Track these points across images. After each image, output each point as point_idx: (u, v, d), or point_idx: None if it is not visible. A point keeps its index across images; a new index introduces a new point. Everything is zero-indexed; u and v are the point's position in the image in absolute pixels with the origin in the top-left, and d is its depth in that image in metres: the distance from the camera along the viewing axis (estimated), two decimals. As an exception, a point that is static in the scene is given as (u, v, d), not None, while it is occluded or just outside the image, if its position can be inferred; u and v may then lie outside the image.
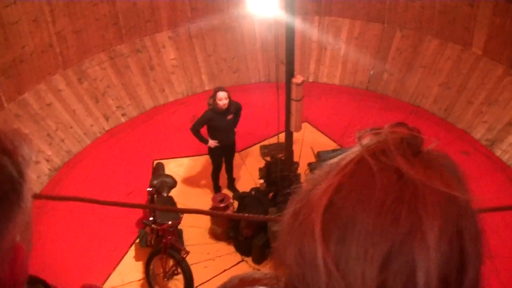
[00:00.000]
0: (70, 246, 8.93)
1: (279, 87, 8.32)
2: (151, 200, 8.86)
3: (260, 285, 1.26)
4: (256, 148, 10.80)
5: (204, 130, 9.06)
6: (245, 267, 8.66)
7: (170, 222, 7.89)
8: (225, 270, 8.57)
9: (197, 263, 8.52)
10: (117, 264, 8.74)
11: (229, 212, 8.91)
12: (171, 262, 8.05)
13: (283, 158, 9.14)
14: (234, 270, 8.58)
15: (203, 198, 9.55)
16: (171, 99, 12.49)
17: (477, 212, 0.92)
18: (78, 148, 10.97)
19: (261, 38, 12.74)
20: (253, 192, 9.22)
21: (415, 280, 0.83)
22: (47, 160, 10.32)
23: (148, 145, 11.04)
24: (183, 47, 12.70)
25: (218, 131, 9.01)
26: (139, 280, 8.52)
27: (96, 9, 11.24)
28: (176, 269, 8.04)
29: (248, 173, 10.28)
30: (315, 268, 0.89)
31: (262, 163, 9.75)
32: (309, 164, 9.58)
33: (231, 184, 9.96)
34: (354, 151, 0.96)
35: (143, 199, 9.28)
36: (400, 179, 0.87)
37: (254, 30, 12.80)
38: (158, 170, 9.65)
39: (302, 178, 9.15)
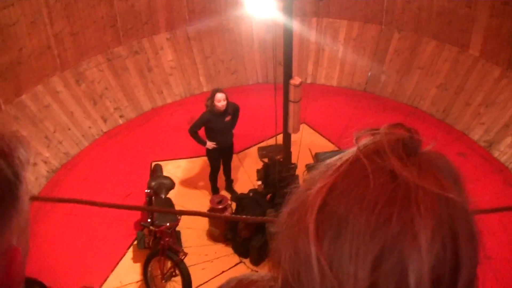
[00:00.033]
0: (68, 248, 8.92)
1: (277, 88, 8.32)
2: (149, 202, 8.86)
3: (258, 287, 1.26)
4: (254, 149, 10.80)
5: (202, 132, 9.06)
6: (243, 269, 8.67)
7: (168, 224, 7.90)
8: (223, 272, 8.57)
9: (195, 264, 8.52)
10: (115, 266, 8.74)
11: (227, 213, 8.91)
12: (169, 264, 8.05)
13: (281, 159, 9.14)
14: (232, 272, 8.58)
15: (201, 200, 9.55)
16: (169, 100, 12.48)
17: (473, 213, 0.92)
18: (76, 150, 10.96)
19: (259, 40, 12.74)
20: (251, 194, 9.22)
21: (407, 280, 0.83)
22: (45, 162, 10.31)
23: (146, 146, 11.03)
24: (181, 48, 12.70)
25: (216, 132, 9.02)
26: (137, 282, 8.52)
27: (93, 11, 11.24)
28: (174, 271, 8.03)
29: (246, 175, 10.28)
30: (309, 267, 0.89)
31: (260, 165, 9.75)
32: (307, 166, 9.57)
33: (229, 186, 9.96)
34: (350, 151, 0.97)
35: (141, 201, 9.28)
36: (394, 180, 0.88)
37: (251, 32, 12.80)
38: (156, 171, 9.65)
39: (300, 180, 9.15)
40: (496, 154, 10.64)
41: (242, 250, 8.85)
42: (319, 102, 12.10)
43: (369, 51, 12.77)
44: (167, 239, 7.84)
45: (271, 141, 9.95)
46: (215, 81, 12.66)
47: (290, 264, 0.94)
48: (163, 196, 8.62)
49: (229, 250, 8.98)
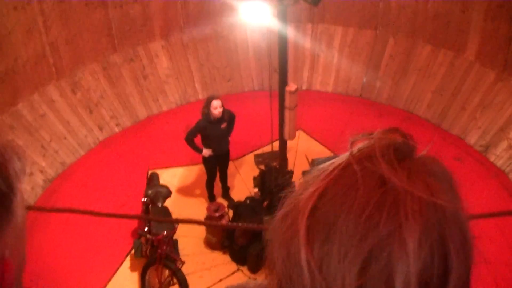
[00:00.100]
0: (65, 258, 8.89)
1: (273, 95, 8.32)
2: (146, 211, 8.85)
3: None
4: (250, 157, 10.80)
5: (198, 139, 9.05)
6: (241, 276, 8.65)
7: (165, 232, 7.88)
8: (220, 280, 8.56)
9: (192, 273, 8.50)
10: (113, 275, 8.71)
11: (224, 221, 8.90)
12: (166, 273, 8.04)
13: (277, 166, 9.14)
14: (230, 280, 8.57)
15: (198, 208, 9.54)
16: (164, 108, 12.48)
17: (466, 218, 0.92)
18: (72, 159, 10.95)
19: (254, 46, 12.76)
20: (247, 201, 9.20)
21: (394, 285, 0.84)
22: (41, 172, 10.29)
23: (142, 155, 11.02)
24: (176, 56, 12.71)
25: (212, 140, 9.01)
26: (135, 291, 8.51)
27: (88, 19, 11.24)
28: (172, 279, 8.02)
29: (243, 182, 10.27)
30: (300, 271, 0.90)
31: (256, 172, 9.74)
32: (304, 172, 9.57)
33: (226, 193, 9.95)
34: (343, 156, 0.97)
35: (137, 210, 9.26)
36: (383, 185, 0.88)
37: (247, 39, 12.82)
38: (152, 180, 9.64)
39: (297, 186, 9.13)
40: (492, 158, 10.65)
41: (239, 258, 8.84)
42: (315, 108, 12.10)
43: (364, 56, 12.80)
44: (164, 247, 7.83)
45: (267, 148, 9.95)
46: (211, 89, 12.66)
47: (283, 268, 0.95)
48: (160, 205, 8.61)
49: (226, 258, 8.97)
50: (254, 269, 8.68)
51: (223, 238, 8.94)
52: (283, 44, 7.83)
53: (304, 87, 12.98)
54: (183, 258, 8.14)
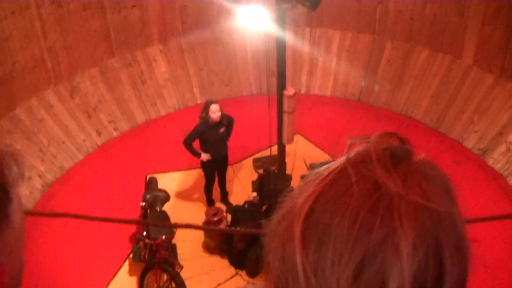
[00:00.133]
0: (63, 262, 8.88)
1: (271, 99, 8.33)
2: (144, 215, 8.85)
3: None
4: (249, 161, 10.79)
5: (196, 144, 9.05)
6: (239, 281, 8.64)
7: (163, 237, 7.87)
8: (219, 284, 8.55)
9: (191, 277, 8.50)
10: (111, 280, 8.70)
11: (222, 225, 8.89)
12: (165, 277, 8.02)
13: (276, 170, 9.14)
14: (228, 284, 8.56)
15: (196, 212, 9.53)
16: (163, 113, 12.48)
17: (461, 222, 0.93)
18: (70, 164, 10.94)
19: (252, 51, 12.76)
20: (246, 206, 9.20)
21: None
22: (40, 176, 10.28)
23: (141, 159, 11.02)
24: (174, 60, 12.71)
25: (210, 144, 9.01)
26: (133, 296, 8.50)
27: (87, 24, 11.24)
28: (170, 284, 8.01)
29: (241, 186, 10.27)
30: (295, 275, 0.90)
31: (255, 176, 9.74)
32: (302, 176, 9.55)
33: (224, 198, 9.95)
34: (339, 160, 0.98)
35: (136, 214, 9.25)
36: (377, 190, 0.88)
37: (245, 43, 12.82)
38: (151, 184, 9.64)
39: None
40: (490, 162, 10.66)
41: (238, 262, 8.83)
42: (313, 112, 12.11)
43: (362, 61, 12.81)
44: (162, 252, 7.82)
45: (266, 153, 9.95)
46: (209, 93, 12.66)
47: (279, 270, 0.95)
48: (158, 209, 8.61)
49: (225, 262, 8.96)
50: (252, 274, 8.67)
51: (222, 243, 8.94)
52: (281, 48, 7.84)
53: (302, 91, 12.99)
54: (181, 263, 8.12)
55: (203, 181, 9.68)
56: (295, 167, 10.18)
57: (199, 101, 12.51)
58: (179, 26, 12.62)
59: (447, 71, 11.70)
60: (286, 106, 8.03)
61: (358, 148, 0.98)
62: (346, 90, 12.97)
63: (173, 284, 7.95)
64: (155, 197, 8.76)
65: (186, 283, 7.90)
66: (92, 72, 11.65)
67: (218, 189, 9.83)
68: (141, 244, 8.46)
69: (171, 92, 12.62)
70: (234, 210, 9.24)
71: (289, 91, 8.00)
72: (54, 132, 10.81)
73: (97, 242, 9.13)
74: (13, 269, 1.14)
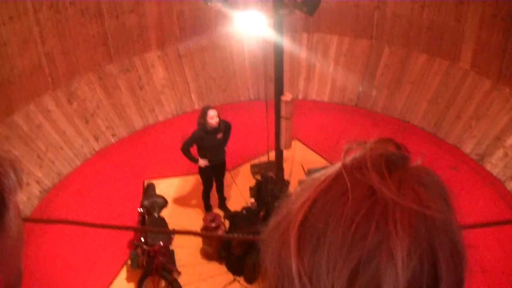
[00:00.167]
0: (61, 269, 8.86)
1: (269, 105, 8.33)
2: (142, 221, 8.84)
3: None
4: (247, 167, 10.79)
5: (194, 149, 9.05)
6: (237, 287, 8.63)
7: (161, 243, 7.86)
8: (217, 290, 8.54)
9: (189, 283, 8.48)
10: (109, 286, 8.68)
11: (220, 231, 8.88)
12: (163, 283, 8.02)
13: (273, 176, 9.13)
14: (226, 290, 8.55)
15: (194, 218, 9.52)
16: (160, 118, 12.48)
17: (457, 227, 0.92)
18: (68, 169, 10.93)
19: (250, 56, 12.77)
20: (244, 211, 9.19)
21: None
22: (37, 182, 10.27)
23: (139, 165, 11.01)
24: (172, 66, 12.72)
25: (208, 150, 9.01)
26: (131, 302, 8.48)
27: (84, 29, 11.26)
28: (168, 290, 8.00)
29: (239, 192, 10.26)
30: (291, 281, 0.90)
31: (252, 182, 9.74)
32: (300, 182, 9.55)
33: (222, 204, 9.93)
34: (335, 166, 0.97)
35: (134, 220, 9.24)
36: (372, 196, 0.88)
37: (242, 49, 12.83)
38: (149, 190, 9.63)
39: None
40: (488, 167, 10.66)
41: (236, 268, 8.81)
42: (311, 118, 12.11)
43: (360, 66, 12.83)
44: (160, 258, 7.81)
45: (264, 158, 9.94)
46: (207, 98, 12.66)
47: (275, 277, 0.95)
48: (156, 215, 8.60)
49: (222, 268, 8.94)
50: (250, 280, 8.65)
51: (220, 249, 8.92)
52: (279, 53, 7.85)
53: (300, 97, 13.00)
54: (179, 269, 8.12)
55: (201, 187, 9.68)
56: (293, 172, 10.19)
57: (196, 107, 12.51)
58: (177, 31, 12.64)
59: (444, 76, 11.72)
60: (283, 111, 8.04)
61: (355, 153, 0.98)
62: (343, 95, 12.99)
63: (171, 290, 7.94)
64: (153, 203, 8.75)
65: (184, 289, 7.89)
66: (90, 78, 11.66)
67: (216, 195, 9.82)
68: (139, 250, 8.44)
69: (168, 97, 12.63)
70: (232, 216, 9.23)
71: (287, 96, 8.01)
72: (52, 137, 10.81)
73: (95, 248, 9.11)
74: (10, 277, 1.13)
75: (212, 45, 12.87)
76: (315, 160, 10.79)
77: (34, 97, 10.61)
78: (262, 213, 9.13)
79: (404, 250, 0.83)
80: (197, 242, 9.15)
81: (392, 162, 0.94)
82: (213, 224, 8.78)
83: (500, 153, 10.61)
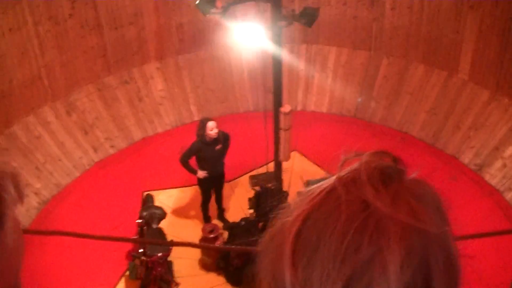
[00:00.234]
0: (59, 280, 8.84)
1: (268, 116, 8.34)
2: (141, 232, 8.83)
3: None
4: (245, 178, 10.79)
5: (193, 161, 9.05)
6: (236, 298, 8.61)
7: (159, 254, 7.86)
8: (216, 301, 8.52)
9: (187, 294, 8.46)
10: (107, 297, 8.67)
11: (219, 242, 8.87)
12: (161, 294, 7.99)
13: (272, 187, 9.13)
14: (225, 301, 8.53)
15: (193, 229, 9.51)
16: (159, 130, 12.48)
17: (451, 241, 0.92)
18: (67, 181, 10.92)
19: (249, 68, 12.77)
20: (243, 222, 9.19)
21: None
22: (36, 194, 10.26)
23: (137, 176, 11.00)
24: (171, 78, 12.74)
25: (207, 161, 9.01)
26: (130, 313, 8.45)
27: (84, 41, 11.28)
28: (167, 301, 7.98)
29: (238, 203, 10.25)
30: None
31: (251, 193, 9.73)
32: (299, 193, 9.52)
33: (221, 215, 9.93)
34: (330, 179, 0.97)
35: (132, 231, 9.23)
36: (366, 209, 0.88)
37: (241, 60, 12.83)
38: (147, 201, 9.62)
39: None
40: (486, 177, 10.67)
41: (234, 279, 8.79)
42: (310, 129, 12.11)
43: (358, 77, 12.85)
44: (159, 269, 7.81)
45: (262, 169, 9.95)
46: (206, 110, 12.66)
47: None
48: (154, 226, 8.59)
49: (221, 279, 8.92)
50: (249, 291, 8.64)
51: (218, 260, 8.91)
52: (277, 65, 7.87)
53: (298, 108, 13.00)
54: (178, 280, 8.11)
55: (199, 198, 9.67)
56: (292, 183, 10.17)
57: (195, 118, 12.48)
58: (176, 43, 12.67)
59: (443, 86, 11.75)
60: (282, 123, 8.05)
61: (351, 166, 0.98)
62: (342, 107, 13.00)
63: (170, 302, 7.92)
64: (152, 214, 8.74)
65: (183, 300, 7.88)
66: (89, 89, 11.67)
67: (215, 206, 9.82)
68: (137, 261, 8.43)
69: (168, 109, 12.64)
70: (230, 227, 9.23)
71: (286, 108, 8.03)
72: (51, 149, 10.81)
73: (94, 260, 9.10)
74: None
75: (211, 57, 12.90)
76: (314, 171, 10.78)
77: (33, 108, 10.63)
78: (260, 224, 9.12)
79: (397, 264, 0.83)
80: (196, 253, 9.14)
81: (387, 175, 0.94)
82: (212, 235, 8.78)
83: (498, 163, 10.62)
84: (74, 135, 11.26)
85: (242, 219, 9.32)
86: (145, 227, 8.72)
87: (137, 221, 8.82)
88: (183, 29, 12.55)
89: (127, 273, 8.80)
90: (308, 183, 9.68)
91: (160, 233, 8.59)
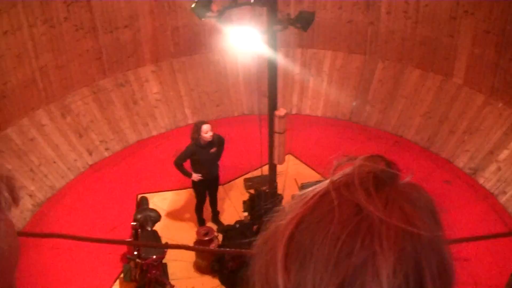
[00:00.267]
0: (54, 283, 8.82)
1: (262, 119, 8.35)
2: (135, 235, 8.82)
3: None
4: (240, 181, 10.79)
5: (187, 164, 9.05)
6: (231, 301, 8.60)
7: (154, 257, 7.85)
8: (210, 304, 8.51)
9: (182, 297, 8.45)
10: (102, 300, 8.65)
11: (213, 245, 8.87)
12: (156, 297, 7.98)
13: (267, 190, 9.14)
14: (219, 304, 8.52)
15: (188, 232, 9.50)
16: (154, 133, 12.48)
17: (444, 244, 0.92)
18: (61, 183, 10.90)
19: (244, 71, 12.77)
20: (237, 225, 9.19)
21: None
22: (30, 196, 10.24)
23: (132, 179, 10.99)
24: (166, 81, 12.73)
25: (202, 164, 9.01)
26: (124, 316, 8.44)
27: (79, 44, 11.27)
28: (161, 304, 7.97)
29: (232, 206, 10.25)
30: None
31: (246, 196, 9.74)
32: (293, 196, 9.54)
33: (215, 217, 9.93)
34: (323, 183, 0.97)
35: (127, 234, 9.22)
36: (358, 213, 0.88)
37: (236, 64, 12.83)
38: (142, 204, 9.62)
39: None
40: (481, 181, 10.70)
41: (229, 282, 8.79)
42: (305, 132, 12.12)
43: (353, 81, 12.87)
44: (153, 271, 7.80)
45: (257, 172, 9.95)
46: (201, 113, 12.66)
47: None
48: (149, 229, 8.59)
49: (216, 282, 8.92)
50: (244, 294, 8.63)
51: (213, 262, 8.91)
52: (272, 69, 7.88)
53: (293, 111, 13.00)
54: (172, 282, 8.09)
55: (194, 201, 9.67)
56: (287, 186, 10.18)
57: (190, 122, 12.48)
58: (171, 46, 12.67)
59: (438, 90, 11.78)
60: (277, 126, 8.06)
61: (343, 170, 0.98)
62: (337, 110, 13.02)
63: (164, 304, 7.91)
64: (146, 217, 8.74)
65: (177, 303, 7.87)
66: (84, 92, 11.65)
67: (209, 209, 9.82)
68: (132, 263, 8.43)
69: (162, 112, 12.63)
70: (225, 230, 9.23)
71: (280, 111, 8.03)
72: (45, 151, 10.79)
73: (88, 262, 9.08)
74: None
75: (206, 60, 12.90)
76: (309, 175, 10.79)
77: (27, 111, 10.61)
78: (255, 227, 9.12)
79: (389, 268, 0.83)
80: (190, 255, 9.13)
81: (380, 180, 0.94)
82: (206, 238, 8.78)
83: (493, 167, 10.65)
84: (68, 137, 11.25)
85: (236, 222, 9.33)
86: (139, 230, 8.71)
87: (132, 223, 8.81)
88: (178, 33, 12.56)
89: (122, 275, 8.79)
90: (302, 187, 9.69)
91: (155, 235, 8.58)
